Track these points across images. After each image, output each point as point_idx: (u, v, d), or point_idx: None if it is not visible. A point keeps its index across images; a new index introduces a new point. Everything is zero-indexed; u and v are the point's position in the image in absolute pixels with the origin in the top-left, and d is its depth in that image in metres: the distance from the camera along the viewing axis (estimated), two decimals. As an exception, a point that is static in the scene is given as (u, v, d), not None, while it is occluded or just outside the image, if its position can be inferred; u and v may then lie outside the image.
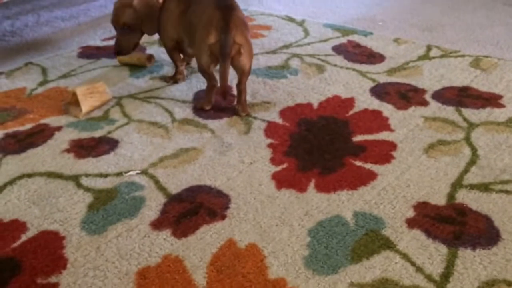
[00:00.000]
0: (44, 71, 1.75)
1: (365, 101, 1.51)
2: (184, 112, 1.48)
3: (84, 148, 1.30)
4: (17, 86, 1.65)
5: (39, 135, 1.36)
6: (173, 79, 1.66)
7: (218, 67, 1.40)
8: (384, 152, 1.25)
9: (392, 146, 1.28)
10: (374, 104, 1.49)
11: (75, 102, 1.44)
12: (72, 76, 1.71)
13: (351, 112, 1.45)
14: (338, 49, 1.88)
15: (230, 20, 1.36)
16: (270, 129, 1.38)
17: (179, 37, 1.56)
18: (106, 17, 2.29)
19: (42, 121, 1.43)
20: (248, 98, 1.53)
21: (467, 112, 1.42)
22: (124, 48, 1.63)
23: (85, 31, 2.15)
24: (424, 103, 1.48)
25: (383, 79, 1.64)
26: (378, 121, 1.40)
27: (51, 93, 1.60)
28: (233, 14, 1.38)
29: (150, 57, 1.76)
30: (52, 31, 2.18)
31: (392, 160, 1.22)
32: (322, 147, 1.29)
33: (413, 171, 1.18)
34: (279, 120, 1.42)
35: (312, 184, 1.15)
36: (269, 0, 2.51)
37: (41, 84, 1.66)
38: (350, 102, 1.51)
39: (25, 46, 2.02)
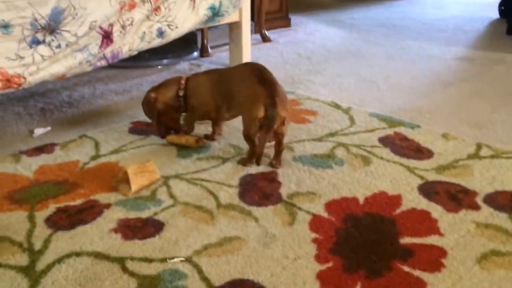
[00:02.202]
0: (97, 144, 1.85)
1: (413, 200, 1.51)
2: (229, 197, 1.51)
3: (131, 229, 1.34)
4: (70, 159, 1.73)
5: (88, 212, 1.41)
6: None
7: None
8: (434, 259, 1.24)
9: (442, 252, 1.27)
10: (422, 203, 1.49)
11: (125, 180, 1.50)
12: (122, 152, 1.79)
13: (398, 211, 1.45)
14: (385, 141, 1.91)
15: (275, 96, 1.58)
16: (315, 223, 1.39)
17: (217, 105, 1.76)
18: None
19: (92, 197, 1.49)
20: (293, 187, 1.57)
21: (521, 221, 1.40)
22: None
23: (137, 106, 2.25)
24: (476, 207, 1.46)
25: (432, 176, 1.64)
26: (426, 223, 1.40)
27: (102, 168, 1.67)
28: (276, 89, 1.61)
29: (198, 140, 1.82)
30: (106, 104, 2.31)
31: (442, 269, 1.20)
32: (368, 246, 1.29)
33: (465, 283, 1.16)
34: (325, 214, 1.44)
35: (358, 288, 1.14)
36: (316, 84, 2.60)
37: (93, 158, 1.74)
38: (397, 199, 1.52)
39: (81, 118, 2.14)
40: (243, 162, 1.70)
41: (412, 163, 1.74)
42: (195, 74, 1.88)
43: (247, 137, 1.66)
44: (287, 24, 3.95)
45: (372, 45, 3.41)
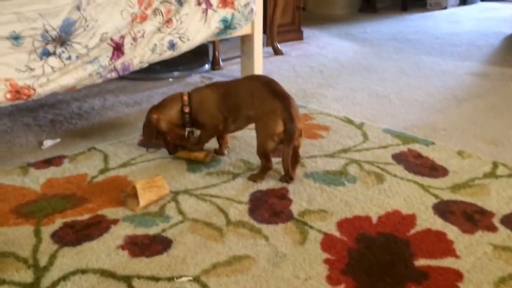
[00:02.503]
0: (106, 158, 1.83)
1: (428, 220, 1.47)
2: (239, 214, 1.48)
3: (138, 246, 1.31)
4: (79, 172, 1.72)
5: (95, 227, 1.39)
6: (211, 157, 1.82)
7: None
8: (450, 282, 1.20)
9: (458, 275, 1.22)
10: (438, 224, 1.45)
11: (134, 195, 1.48)
12: (131, 165, 1.78)
13: (412, 231, 1.41)
14: (398, 158, 1.87)
15: (291, 110, 1.58)
16: (327, 242, 1.36)
17: (224, 117, 1.74)
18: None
19: (100, 212, 1.47)
20: (304, 204, 1.54)
21: (540, 244, 1.36)
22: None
23: (147, 118, 2.25)
24: (493, 229, 1.42)
25: (447, 195, 1.60)
26: (442, 245, 1.35)
27: (111, 182, 1.65)
28: (291, 103, 1.61)
29: (208, 154, 1.80)
30: (116, 116, 2.30)
31: (459, 294, 1.16)
32: (382, 268, 1.25)
33: (482, 309, 1.12)
34: (336, 233, 1.40)
35: (371, 312, 1.10)
36: (328, 98, 2.57)
37: (102, 171, 1.73)
38: (411, 219, 1.48)
39: (90, 130, 2.13)
40: (254, 178, 1.68)
41: (427, 181, 1.70)
42: (197, 88, 1.84)
43: (263, 153, 1.64)
44: (299, 37, 3.95)
45: (385, 60, 3.39)
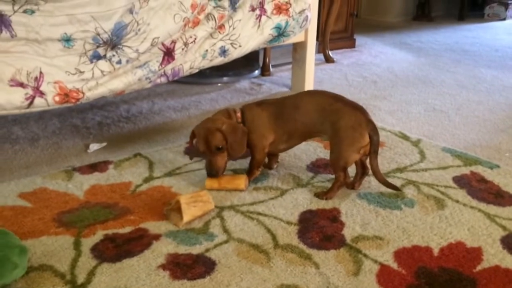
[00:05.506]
0: (151, 165, 1.75)
1: (496, 255, 1.30)
2: (288, 236, 1.36)
3: (180, 267, 1.21)
4: (123, 179, 1.64)
5: (137, 242, 1.30)
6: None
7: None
8: (527, 336, 1.04)
9: (536, 328, 1.07)
10: (507, 260, 1.28)
11: (177, 209, 1.38)
12: (176, 175, 1.69)
13: (479, 268, 1.26)
14: (460, 182, 1.71)
15: (373, 121, 1.53)
16: (384, 275, 1.22)
17: (275, 137, 1.62)
18: (215, 111, 2.30)
19: (142, 225, 1.38)
20: (358, 229, 1.40)
21: None
22: (219, 168, 1.57)
23: (194, 125, 2.14)
24: None
25: (516, 228, 1.44)
26: (513, 286, 1.20)
27: (155, 192, 1.56)
28: (368, 113, 1.55)
29: (246, 179, 1.62)
30: (163, 121, 2.22)
31: None
32: (446, 311, 1.11)
33: None
34: (394, 265, 1.26)
35: None
36: (382, 111, 2.42)
37: (146, 180, 1.64)
38: (477, 253, 1.32)
39: (137, 134, 2.06)
40: (325, 195, 1.56)
41: (493, 209, 1.53)
42: (248, 106, 1.67)
43: (344, 166, 1.55)
44: (351, 44, 3.79)
45: (442, 72, 3.19)
